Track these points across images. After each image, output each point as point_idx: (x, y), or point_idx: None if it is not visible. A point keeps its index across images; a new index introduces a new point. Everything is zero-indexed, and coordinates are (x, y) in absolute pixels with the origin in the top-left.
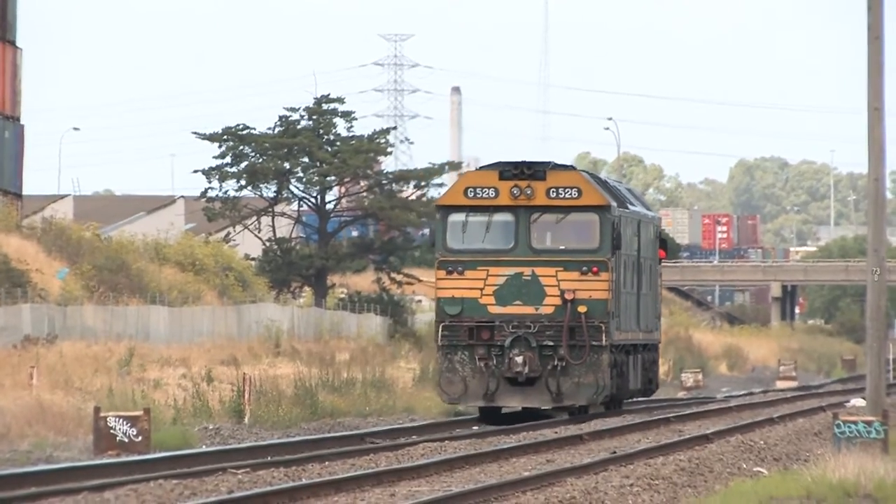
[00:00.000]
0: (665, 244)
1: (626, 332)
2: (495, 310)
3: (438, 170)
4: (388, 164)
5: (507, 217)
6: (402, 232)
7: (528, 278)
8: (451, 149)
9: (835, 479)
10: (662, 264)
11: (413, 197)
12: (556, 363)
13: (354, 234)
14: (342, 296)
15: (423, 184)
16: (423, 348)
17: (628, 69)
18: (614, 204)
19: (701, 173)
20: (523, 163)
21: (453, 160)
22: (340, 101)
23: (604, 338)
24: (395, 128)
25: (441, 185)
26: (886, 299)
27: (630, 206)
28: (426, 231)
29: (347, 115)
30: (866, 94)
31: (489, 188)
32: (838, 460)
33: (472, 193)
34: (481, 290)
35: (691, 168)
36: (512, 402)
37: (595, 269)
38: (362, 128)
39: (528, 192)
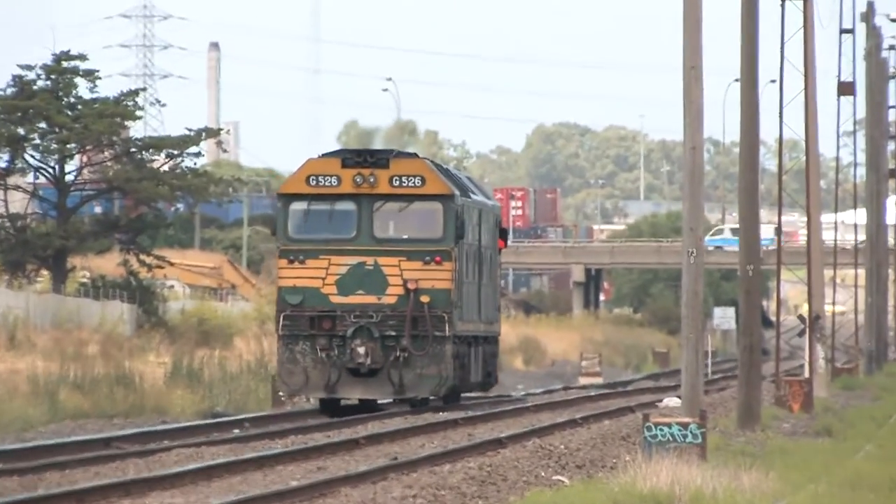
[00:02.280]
0: (505, 234)
1: (468, 322)
2: (337, 299)
3: (194, 136)
4: (136, 130)
5: (349, 206)
6: (153, 208)
7: (371, 268)
8: (208, 112)
9: (645, 488)
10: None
11: (165, 168)
12: (398, 354)
13: (98, 210)
14: (84, 280)
15: (176, 152)
16: (177, 340)
17: (410, 23)
18: (458, 193)
19: (493, 141)
20: (366, 151)
21: (211, 125)
22: (82, 58)
23: (447, 328)
24: (144, 89)
25: (198, 153)
26: (704, 284)
27: (472, 196)
28: (180, 206)
29: (90, 74)
30: (682, 51)
31: (331, 176)
32: (650, 468)
33: (315, 181)
34: (323, 279)
35: (482, 135)
36: (354, 394)
37: (438, 258)
38: (107, 88)
39: (371, 180)
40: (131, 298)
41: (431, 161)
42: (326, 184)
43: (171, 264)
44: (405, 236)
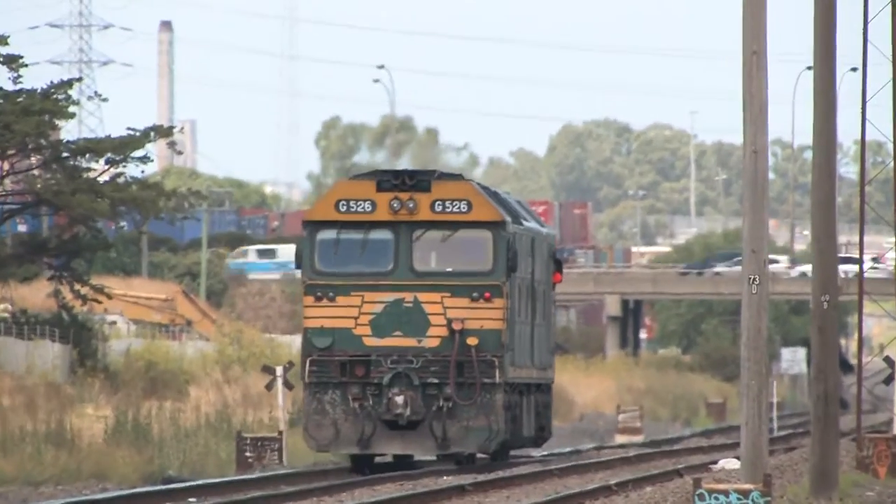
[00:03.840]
0: (560, 266)
1: (520, 368)
2: (372, 342)
3: (141, 137)
4: (70, 131)
5: (385, 234)
6: (90, 227)
7: (410, 305)
8: (159, 108)
9: None
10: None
11: (105, 177)
12: (441, 404)
13: (23, 228)
14: (5, 315)
15: (118, 158)
16: (120, 388)
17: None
18: (509, 219)
19: (510, 143)
20: (405, 172)
21: (162, 123)
22: (3, 40)
23: (497, 374)
24: (80, 79)
25: (146, 158)
26: (769, 319)
27: (524, 222)
28: (124, 225)
29: (13, 61)
30: (741, 33)
31: (365, 201)
32: None
33: (345, 207)
34: (356, 318)
35: (496, 137)
36: (391, 449)
37: (487, 294)
38: (34, 78)
39: (411, 205)
40: (63, 337)
41: (478, 183)
42: (359, 209)
43: (113, 297)
44: (449, 269)
